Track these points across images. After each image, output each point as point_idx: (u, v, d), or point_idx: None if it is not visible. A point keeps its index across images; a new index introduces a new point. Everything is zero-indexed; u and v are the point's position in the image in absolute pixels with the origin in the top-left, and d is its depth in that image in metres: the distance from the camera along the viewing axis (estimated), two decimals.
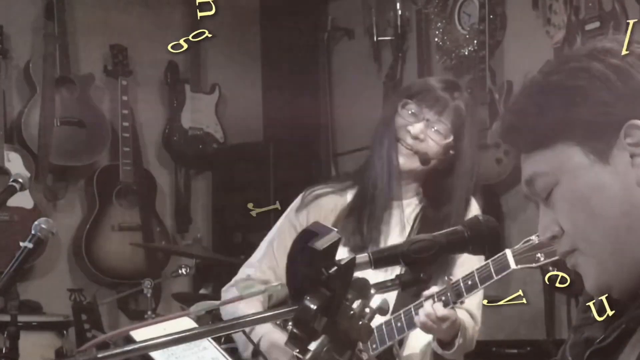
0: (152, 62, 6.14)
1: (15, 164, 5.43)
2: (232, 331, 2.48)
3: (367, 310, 1.28)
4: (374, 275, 1.35)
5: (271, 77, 6.45)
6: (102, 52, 5.93)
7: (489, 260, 2.56)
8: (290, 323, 2.56)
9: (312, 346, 1.24)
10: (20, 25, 5.72)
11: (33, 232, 2.93)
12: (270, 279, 2.77)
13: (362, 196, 2.76)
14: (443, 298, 2.55)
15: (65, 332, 4.98)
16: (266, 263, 2.82)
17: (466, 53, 5.33)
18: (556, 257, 2.33)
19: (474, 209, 2.79)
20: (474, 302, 2.70)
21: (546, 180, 1.31)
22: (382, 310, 1.31)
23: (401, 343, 2.72)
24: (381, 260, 1.40)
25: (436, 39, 5.54)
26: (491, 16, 5.14)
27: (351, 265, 1.27)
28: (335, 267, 1.24)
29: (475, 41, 5.21)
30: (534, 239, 2.47)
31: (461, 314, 2.66)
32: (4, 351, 3.44)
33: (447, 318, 2.54)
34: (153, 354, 2.41)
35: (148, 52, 6.12)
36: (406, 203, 2.79)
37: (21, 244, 2.91)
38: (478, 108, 5.14)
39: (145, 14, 6.17)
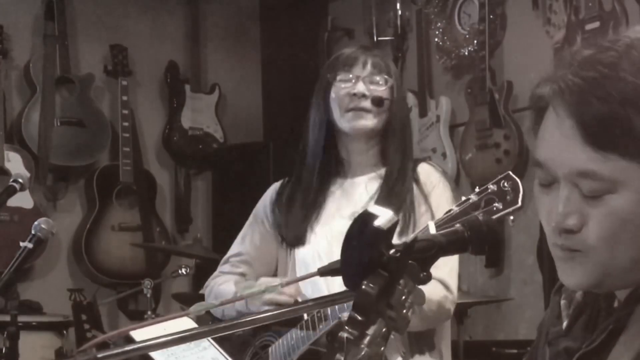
0: (152, 62, 6.14)
1: (15, 164, 5.43)
2: (232, 331, 2.48)
3: (408, 301, 1.26)
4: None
5: (271, 77, 6.45)
6: (102, 52, 5.93)
7: (416, 233, 2.56)
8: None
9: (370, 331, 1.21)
10: (20, 25, 5.72)
11: (33, 232, 2.93)
12: (245, 272, 2.87)
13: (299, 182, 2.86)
14: None
15: (65, 332, 4.98)
16: (240, 259, 2.92)
17: (466, 53, 5.33)
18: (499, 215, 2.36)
19: (426, 171, 2.78)
20: (445, 268, 2.66)
21: (602, 185, 1.25)
22: (419, 299, 1.29)
23: None
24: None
25: (436, 39, 5.54)
26: (491, 16, 5.14)
27: (412, 246, 1.24)
28: (395, 249, 1.21)
29: (475, 41, 5.21)
30: (455, 208, 2.46)
31: (431, 284, 2.64)
32: (3, 351, 3.43)
33: None
34: (153, 354, 2.41)
35: (148, 52, 6.12)
36: (365, 179, 2.79)
37: (21, 244, 2.92)
38: (477, 108, 5.15)
39: (146, 14, 6.17)
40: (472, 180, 5.30)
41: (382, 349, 1.19)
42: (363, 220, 1.21)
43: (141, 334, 1.65)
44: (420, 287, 2.63)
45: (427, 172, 2.77)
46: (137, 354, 1.41)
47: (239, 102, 6.40)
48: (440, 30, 5.52)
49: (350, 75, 2.74)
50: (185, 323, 2.30)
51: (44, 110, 5.57)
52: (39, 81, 5.61)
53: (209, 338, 2.49)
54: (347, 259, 1.22)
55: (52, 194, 5.73)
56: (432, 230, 2.39)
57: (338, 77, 2.75)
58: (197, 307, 1.55)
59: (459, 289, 4.47)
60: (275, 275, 2.84)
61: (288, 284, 2.69)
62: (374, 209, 1.21)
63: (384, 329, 1.19)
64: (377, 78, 2.74)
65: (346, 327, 1.18)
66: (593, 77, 1.22)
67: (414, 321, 2.57)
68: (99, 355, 1.35)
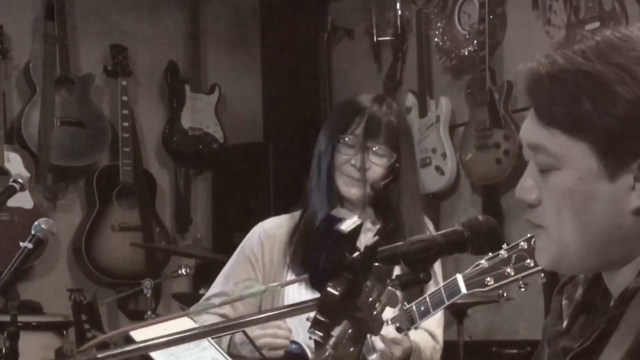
0: (152, 62, 6.14)
1: (15, 164, 5.43)
2: (232, 331, 2.48)
3: (379, 302, 1.28)
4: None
5: (271, 77, 6.46)
6: (102, 52, 5.93)
7: (441, 285, 2.58)
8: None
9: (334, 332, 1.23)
10: (20, 25, 5.72)
11: (33, 232, 2.93)
12: (227, 313, 2.75)
13: (308, 225, 2.76)
14: (397, 324, 2.57)
15: (65, 332, 4.98)
16: (223, 299, 2.82)
17: (466, 53, 5.33)
18: (504, 282, 2.39)
19: (430, 227, 2.81)
20: (433, 321, 2.72)
21: (550, 160, 1.31)
22: (392, 301, 1.30)
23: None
24: (381, 260, 1.40)
25: (436, 39, 5.54)
26: (491, 16, 5.14)
27: (375, 249, 1.27)
28: (359, 251, 1.24)
29: (475, 41, 5.21)
30: (484, 263, 2.50)
31: (420, 333, 2.69)
32: (3, 351, 3.43)
33: (399, 343, 2.56)
34: (153, 354, 2.41)
35: (148, 52, 6.12)
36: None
37: (21, 244, 2.92)
38: (477, 108, 5.15)
39: (145, 14, 6.17)
40: (472, 181, 5.30)
41: (352, 349, 1.20)
42: (327, 224, 1.24)
43: (141, 334, 1.65)
44: (415, 339, 2.65)
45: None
46: (137, 354, 1.40)
47: (239, 102, 6.40)
48: (440, 30, 5.52)
49: (352, 141, 2.71)
50: (185, 323, 2.30)
51: (44, 110, 5.57)
52: (39, 81, 5.61)
53: (209, 338, 2.49)
54: (314, 261, 1.25)
55: (52, 194, 5.73)
56: (462, 285, 2.41)
57: (344, 137, 2.72)
58: (197, 307, 1.55)
59: None
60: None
61: (288, 284, 2.69)
62: (338, 212, 1.23)
63: (350, 330, 1.21)
64: (379, 153, 2.71)
65: (310, 329, 1.20)
66: (551, 61, 1.29)
67: None
68: (99, 355, 1.35)
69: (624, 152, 1.26)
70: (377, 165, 2.71)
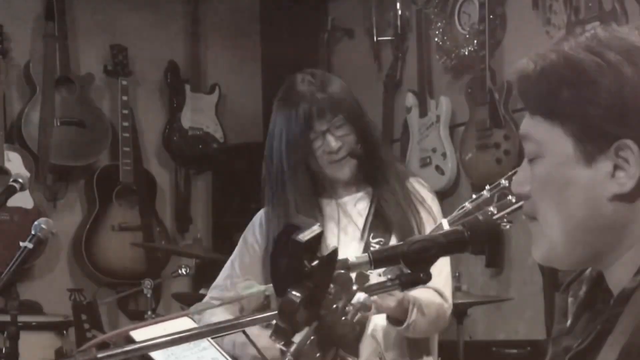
0: (152, 62, 6.14)
1: (15, 164, 5.43)
2: (232, 331, 2.48)
3: (350, 307, 1.29)
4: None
5: (271, 77, 6.45)
6: (102, 52, 5.93)
7: (427, 232, 2.61)
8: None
9: (297, 339, 1.25)
10: (20, 25, 5.72)
11: (33, 232, 2.93)
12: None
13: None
14: (389, 275, 2.57)
15: (65, 332, 4.98)
16: (230, 282, 2.93)
17: (466, 53, 5.33)
18: (509, 210, 2.38)
19: (415, 187, 2.84)
20: (441, 279, 2.72)
21: (534, 147, 1.34)
22: (364, 307, 1.31)
23: (364, 323, 2.72)
24: (381, 260, 1.40)
25: (436, 39, 5.54)
26: (491, 16, 5.14)
27: (333, 257, 1.28)
28: (317, 260, 1.26)
29: (475, 41, 5.21)
30: (467, 205, 2.51)
31: (425, 291, 2.68)
32: (4, 351, 3.44)
33: (392, 293, 2.54)
34: (153, 354, 2.41)
35: (148, 52, 6.12)
36: (352, 198, 2.84)
37: (21, 244, 2.92)
38: (477, 108, 5.15)
39: (145, 14, 6.17)
40: (472, 181, 5.30)
41: (318, 355, 1.21)
42: (286, 232, 1.26)
43: (141, 334, 1.65)
44: (418, 295, 2.64)
45: (415, 188, 2.85)
46: (137, 354, 1.41)
47: (239, 102, 6.40)
48: (440, 30, 5.51)
49: (315, 135, 2.78)
50: (185, 323, 2.30)
51: (44, 110, 5.57)
52: (39, 81, 5.61)
53: (209, 338, 2.49)
54: (275, 269, 1.28)
55: (52, 194, 5.73)
56: (446, 226, 2.41)
57: (307, 140, 2.79)
58: (197, 307, 1.55)
59: (459, 289, 4.49)
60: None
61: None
62: (297, 220, 1.25)
63: (313, 337, 1.22)
64: (338, 123, 2.77)
65: (272, 337, 1.22)
66: (542, 56, 1.33)
67: (417, 329, 2.62)
68: (99, 355, 1.35)
69: (599, 137, 1.28)
70: (346, 138, 2.77)
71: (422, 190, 2.86)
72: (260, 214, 2.99)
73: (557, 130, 1.31)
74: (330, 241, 2.78)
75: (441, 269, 2.73)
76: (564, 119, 1.30)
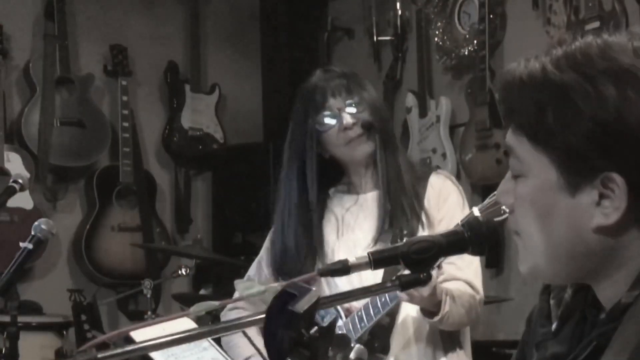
0: (152, 62, 6.14)
1: (15, 164, 5.43)
2: (232, 331, 2.48)
3: None
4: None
5: (271, 77, 6.45)
6: (102, 52, 5.93)
7: (459, 223, 2.60)
8: None
9: None
10: (20, 25, 5.72)
11: (33, 232, 2.93)
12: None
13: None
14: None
15: (65, 332, 4.98)
16: (257, 279, 2.90)
17: (466, 53, 5.33)
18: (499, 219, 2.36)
19: (440, 181, 2.83)
20: (471, 271, 2.72)
21: (518, 165, 1.31)
22: (362, 357, 1.31)
23: (394, 316, 2.72)
24: (381, 261, 1.40)
25: (436, 39, 5.54)
26: (491, 16, 5.14)
27: (332, 326, 1.27)
28: (317, 328, 1.24)
29: (475, 41, 5.21)
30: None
31: (458, 284, 2.68)
32: (3, 352, 3.43)
33: None
34: (153, 354, 2.41)
35: (148, 52, 6.12)
36: (371, 196, 2.83)
37: (21, 244, 2.92)
38: (477, 108, 5.15)
39: (145, 14, 6.17)
40: (472, 181, 5.30)
41: None
42: (282, 301, 1.24)
43: (141, 334, 1.65)
44: (449, 287, 2.62)
45: (441, 182, 2.83)
46: (137, 354, 1.41)
47: (239, 102, 6.40)
48: (440, 30, 5.51)
49: (330, 113, 2.78)
50: (185, 323, 2.29)
51: (44, 110, 5.57)
52: (39, 81, 5.61)
53: (209, 338, 2.49)
54: (270, 336, 1.25)
55: (52, 194, 5.73)
56: (477, 213, 2.41)
57: (321, 119, 2.79)
58: (197, 307, 1.55)
59: None
60: None
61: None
62: (293, 287, 1.23)
63: None
64: (354, 101, 2.78)
65: None
66: (526, 66, 1.29)
67: (450, 321, 2.62)
68: (99, 355, 1.35)
69: (584, 168, 1.24)
70: (359, 113, 2.77)
71: (448, 184, 2.84)
72: None
73: (541, 155, 1.27)
74: (346, 236, 2.79)
75: (471, 260, 2.72)
76: (548, 146, 1.26)
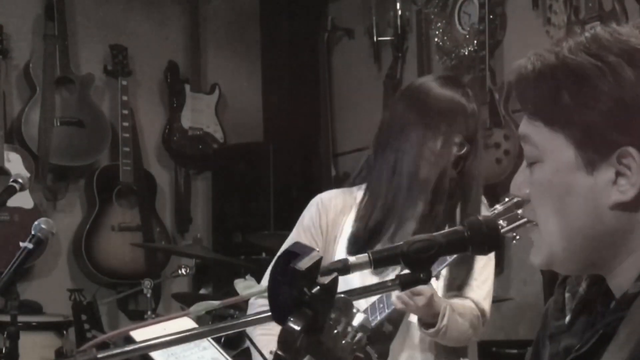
0: (152, 62, 6.14)
1: (15, 164, 5.43)
2: (232, 331, 2.48)
3: (349, 329, 1.28)
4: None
5: (271, 77, 6.45)
6: (102, 52, 5.93)
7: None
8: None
9: None
10: (20, 25, 5.72)
11: (33, 232, 2.92)
12: None
13: (380, 208, 2.73)
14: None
15: (65, 332, 4.98)
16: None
17: (466, 53, 5.33)
18: (516, 224, 2.33)
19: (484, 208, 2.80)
20: (482, 293, 2.71)
21: (533, 151, 1.32)
22: (363, 328, 1.31)
23: (397, 324, 2.71)
24: (381, 260, 1.40)
25: (436, 39, 5.54)
26: (491, 16, 5.14)
27: (334, 284, 1.27)
28: (318, 287, 1.24)
29: (475, 41, 5.21)
30: (499, 207, 2.48)
31: (464, 301, 2.67)
32: (3, 351, 3.43)
33: (420, 293, 2.51)
34: (153, 354, 2.41)
35: (148, 52, 6.12)
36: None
37: (21, 244, 2.91)
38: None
39: (146, 14, 6.17)
40: None
41: None
42: (284, 259, 1.24)
43: (141, 334, 1.65)
44: (455, 303, 2.60)
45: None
46: (137, 354, 1.41)
47: (239, 102, 6.40)
48: (440, 30, 5.51)
49: (458, 140, 2.70)
50: (185, 323, 2.30)
51: (44, 110, 5.57)
52: (39, 81, 5.61)
53: (209, 338, 2.49)
54: (273, 296, 1.25)
55: (52, 194, 5.73)
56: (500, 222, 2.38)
57: (452, 136, 2.71)
58: (197, 307, 1.55)
59: None
60: None
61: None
62: (295, 246, 1.24)
63: None
64: (465, 149, 2.71)
65: None
66: (539, 57, 1.32)
67: (446, 336, 2.61)
68: (99, 355, 1.35)
69: (601, 144, 1.26)
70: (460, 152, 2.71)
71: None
72: (318, 199, 2.85)
73: (558, 136, 1.29)
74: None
75: (486, 280, 2.73)
76: (565, 126, 1.28)
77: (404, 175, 2.70)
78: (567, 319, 1.40)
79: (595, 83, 1.26)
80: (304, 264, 1.23)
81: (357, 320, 1.29)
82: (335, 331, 1.26)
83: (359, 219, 2.74)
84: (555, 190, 1.30)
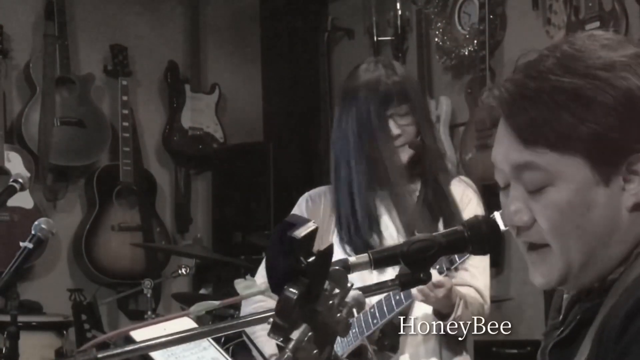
0: (152, 62, 6.14)
1: (15, 164, 5.43)
2: (232, 331, 2.49)
3: (344, 303, 1.30)
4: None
5: (271, 77, 6.45)
6: (102, 52, 5.93)
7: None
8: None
9: (295, 335, 1.25)
10: (20, 25, 5.72)
11: (33, 232, 2.92)
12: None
13: (343, 203, 2.82)
14: (437, 266, 2.58)
15: (65, 332, 4.98)
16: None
17: (466, 53, 5.33)
18: None
19: (462, 187, 2.84)
20: (481, 281, 2.75)
21: (541, 177, 1.32)
22: (358, 304, 1.32)
23: (406, 316, 2.73)
24: (381, 260, 1.40)
25: (436, 39, 5.54)
26: (491, 16, 5.14)
27: (328, 253, 1.28)
28: (314, 256, 1.26)
29: (475, 41, 5.21)
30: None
31: (470, 290, 2.71)
32: (4, 351, 3.44)
33: (442, 285, 2.56)
34: (153, 354, 2.41)
35: (148, 52, 6.12)
36: (405, 190, 2.84)
37: (21, 244, 2.91)
38: (477, 108, 5.14)
39: (145, 14, 6.17)
40: (472, 181, 5.29)
41: (316, 352, 1.22)
42: (282, 229, 1.26)
43: (141, 334, 1.65)
44: (463, 292, 2.62)
45: (462, 188, 2.85)
46: (137, 354, 1.41)
47: (239, 102, 6.40)
48: (440, 30, 5.51)
49: (377, 119, 2.76)
50: (185, 323, 2.30)
51: (44, 110, 5.57)
52: (39, 81, 5.61)
53: (209, 338, 2.49)
54: (271, 266, 1.28)
55: (52, 194, 5.73)
56: (500, 222, 2.40)
57: (384, 113, 2.77)
58: (197, 307, 1.55)
59: None
60: None
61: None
62: (292, 217, 1.25)
63: (311, 333, 1.23)
64: (403, 112, 2.77)
65: (270, 334, 1.23)
66: (523, 80, 1.32)
67: (460, 325, 2.64)
68: (99, 355, 1.35)
69: (613, 155, 1.29)
70: (406, 126, 2.78)
71: (469, 191, 2.86)
72: (306, 196, 2.93)
73: (571, 159, 1.30)
74: (384, 232, 2.79)
75: (484, 269, 2.76)
76: (576, 146, 1.29)
77: (351, 165, 2.78)
78: (561, 317, 1.42)
79: (592, 97, 1.28)
80: (299, 232, 1.25)
81: (352, 295, 1.31)
82: (331, 302, 1.28)
83: (336, 219, 2.81)
84: (577, 210, 1.31)
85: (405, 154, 2.79)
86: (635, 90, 1.28)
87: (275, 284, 1.26)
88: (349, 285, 1.32)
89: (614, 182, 1.30)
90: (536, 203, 1.33)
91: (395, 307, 2.66)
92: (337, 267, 1.31)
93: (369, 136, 2.76)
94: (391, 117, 2.77)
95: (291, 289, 1.24)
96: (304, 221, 1.27)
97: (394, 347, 2.72)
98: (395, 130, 2.76)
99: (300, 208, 2.91)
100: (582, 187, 1.30)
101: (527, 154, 1.32)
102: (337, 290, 1.29)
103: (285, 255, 1.25)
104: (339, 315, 1.27)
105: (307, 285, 1.25)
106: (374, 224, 2.78)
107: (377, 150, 2.76)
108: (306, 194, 2.93)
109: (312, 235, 1.27)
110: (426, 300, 2.58)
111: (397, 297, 2.65)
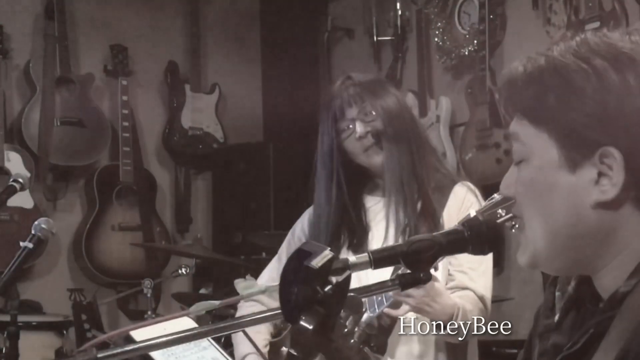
0: (152, 62, 6.14)
1: (15, 164, 5.43)
2: (232, 331, 2.49)
3: (357, 328, 1.28)
4: None
5: (271, 77, 6.45)
6: (102, 52, 5.93)
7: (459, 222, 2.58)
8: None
9: None
10: (20, 25, 5.72)
11: (33, 232, 2.92)
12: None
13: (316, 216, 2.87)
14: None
15: (65, 332, 4.98)
16: (276, 274, 2.88)
17: (466, 53, 5.33)
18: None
19: (463, 192, 2.82)
20: (480, 284, 2.73)
21: (520, 149, 1.35)
22: (370, 327, 1.31)
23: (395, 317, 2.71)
24: (381, 260, 1.40)
25: (436, 39, 5.54)
26: (491, 16, 5.14)
27: (347, 283, 1.27)
28: (331, 286, 1.24)
29: (475, 41, 5.21)
30: (497, 196, 2.49)
31: (469, 297, 2.68)
32: (4, 351, 3.44)
33: (409, 294, 2.52)
34: (153, 354, 2.41)
35: (148, 52, 6.12)
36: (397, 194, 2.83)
37: (21, 244, 2.91)
38: (477, 108, 5.15)
39: (146, 14, 6.17)
40: (472, 181, 5.29)
41: None
42: (298, 258, 1.24)
43: (141, 334, 1.65)
44: (462, 302, 2.62)
45: (464, 193, 2.83)
46: (137, 354, 1.41)
47: (239, 102, 6.40)
48: (440, 30, 5.51)
49: (346, 123, 2.79)
50: (185, 323, 2.30)
51: (44, 110, 5.57)
52: (39, 81, 5.61)
53: (209, 338, 2.49)
54: (285, 294, 1.24)
55: (52, 194, 5.73)
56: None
57: (339, 128, 2.80)
58: (197, 307, 1.55)
59: None
60: None
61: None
62: (308, 245, 1.23)
63: None
64: (366, 110, 2.78)
65: None
66: (531, 61, 1.34)
67: (458, 334, 2.61)
68: (99, 355, 1.35)
69: (583, 144, 1.28)
70: (372, 122, 2.78)
71: (470, 195, 2.84)
72: (309, 210, 2.96)
73: (542, 135, 1.31)
74: (377, 237, 2.79)
75: (484, 271, 2.75)
76: (549, 125, 1.31)
77: (320, 176, 2.84)
78: (556, 317, 1.41)
79: (580, 85, 1.28)
80: (317, 262, 1.22)
81: (364, 318, 1.29)
82: (345, 330, 1.26)
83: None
84: (538, 188, 1.32)
85: (379, 156, 2.76)
86: (625, 89, 1.27)
87: (290, 314, 1.23)
88: (363, 310, 1.29)
89: (584, 172, 1.29)
90: (518, 175, 1.35)
91: (377, 309, 2.63)
92: (352, 294, 1.29)
93: (339, 144, 2.80)
94: (357, 118, 2.77)
95: (307, 320, 1.21)
96: (320, 249, 1.24)
97: (381, 349, 2.69)
98: (361, 128, 2.75)
99: (302, 221, 2.93)
100: (547, 167, 1.31)
101: (516, 123, 1.35)
102: (351, 318, 1.27)
103: (301, 285, 1.22)
104: (352, 341, 1.26)
105: (323, 315, 1.23)
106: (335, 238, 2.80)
107: (354, 155, 2.78)
108: (310, 207, 2.94)
109: (329, 264, 1.24)
110: (419, 311, 2.55)
111: (379, 298, 2.60)
